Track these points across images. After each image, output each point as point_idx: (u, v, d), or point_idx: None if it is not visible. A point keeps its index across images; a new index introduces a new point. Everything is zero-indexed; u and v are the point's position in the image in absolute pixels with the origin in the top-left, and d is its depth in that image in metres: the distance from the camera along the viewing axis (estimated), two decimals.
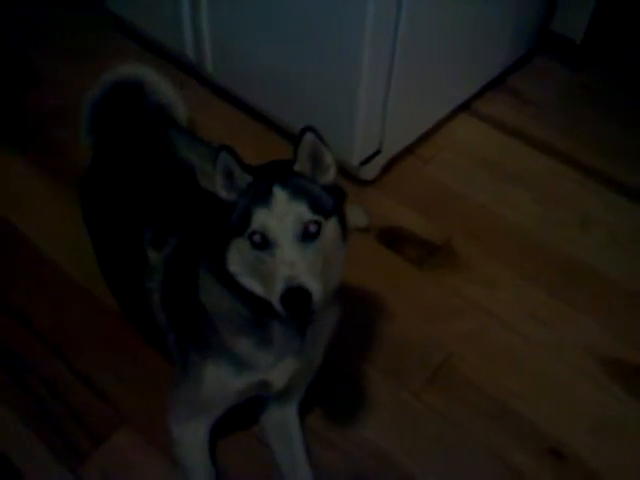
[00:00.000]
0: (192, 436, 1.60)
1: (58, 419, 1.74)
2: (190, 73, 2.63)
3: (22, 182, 2.27)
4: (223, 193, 1.31)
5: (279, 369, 1.48)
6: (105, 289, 1.84)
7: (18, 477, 1.64)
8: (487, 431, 1.76)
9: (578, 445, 1.74)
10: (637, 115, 2.59)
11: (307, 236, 1.25)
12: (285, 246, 1.23)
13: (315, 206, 1.26)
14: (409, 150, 2.41)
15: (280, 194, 1.25)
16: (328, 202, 1.30)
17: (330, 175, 1.33)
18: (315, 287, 1.20)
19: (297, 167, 1.31)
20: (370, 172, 2.30)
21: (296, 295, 1.19)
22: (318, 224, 1.26)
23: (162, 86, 2.08)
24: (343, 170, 2.23)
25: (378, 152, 2.26)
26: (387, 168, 2.34)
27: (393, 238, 2.18)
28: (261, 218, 1.24)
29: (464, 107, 2.57)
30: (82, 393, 1.78)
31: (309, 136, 1.28)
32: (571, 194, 2.33)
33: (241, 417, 1.68)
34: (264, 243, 1.25)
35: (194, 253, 1.47)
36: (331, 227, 1.30)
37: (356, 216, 2.17)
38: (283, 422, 1.68)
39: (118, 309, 1.85)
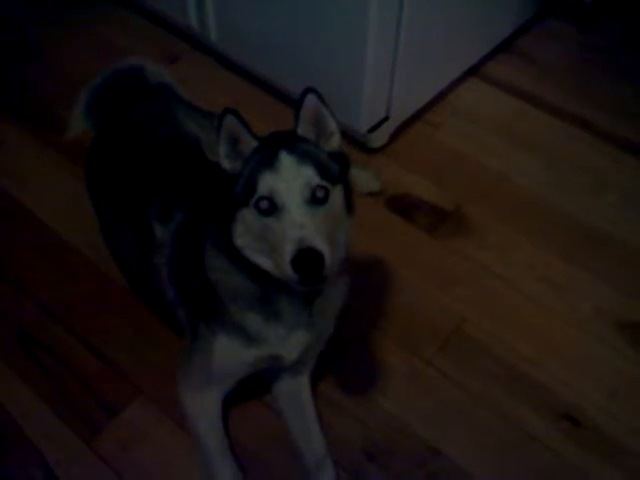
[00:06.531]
0: (203, 406, 1.60)
1: (72, 393, 1.75)
2: (193, 43, 2.59)
3: (26, 156, 2.27)
4: (226, 163, 1.29)
5: (289, 343, 1.47)
6: (112, 262, 1.83)
7: (35, 452, 1.65)
8: (501, 397, 1.75)
9: (594, 410, 1.73)
10: None
11: (315, 201, 1.23)
12: (294, 208, 1.21)
13: (322, 171, 1.24)
14: (418, 116, 2.37)
15: (287, 158, 1.23)
16: (334, 169, 1.29)
17: (334, 142, 1.31)
18: (326, 249, 1.18)
19: (300, 131, 1.29)
20: (378, 139, 2.26)
21: (308, 257, 1.17)
22: (326, 190, 1.24)
23: (162, 71, 2.05)
24: (351, 138, 2.21)
25: (386, 119, 2.22)
26: (396, 135, 2.31)
27: (403, 205, 2.15)
28: (268, 182, 1.22)
29: (473, 71, 2.53)
30: (95, 367, 1.79)
31: (311, 98, 1.26)
32: (584, 157, 2.30)
33: (252, 386, 1.67)
34: (271, 209, 1.22)
35: (201, 228, 1.46)
36: (338, 195, 1.28)
37: (367, 180, 2.15)
38: (295, 391, 1.68)
39: (125, 283, 1.84)
